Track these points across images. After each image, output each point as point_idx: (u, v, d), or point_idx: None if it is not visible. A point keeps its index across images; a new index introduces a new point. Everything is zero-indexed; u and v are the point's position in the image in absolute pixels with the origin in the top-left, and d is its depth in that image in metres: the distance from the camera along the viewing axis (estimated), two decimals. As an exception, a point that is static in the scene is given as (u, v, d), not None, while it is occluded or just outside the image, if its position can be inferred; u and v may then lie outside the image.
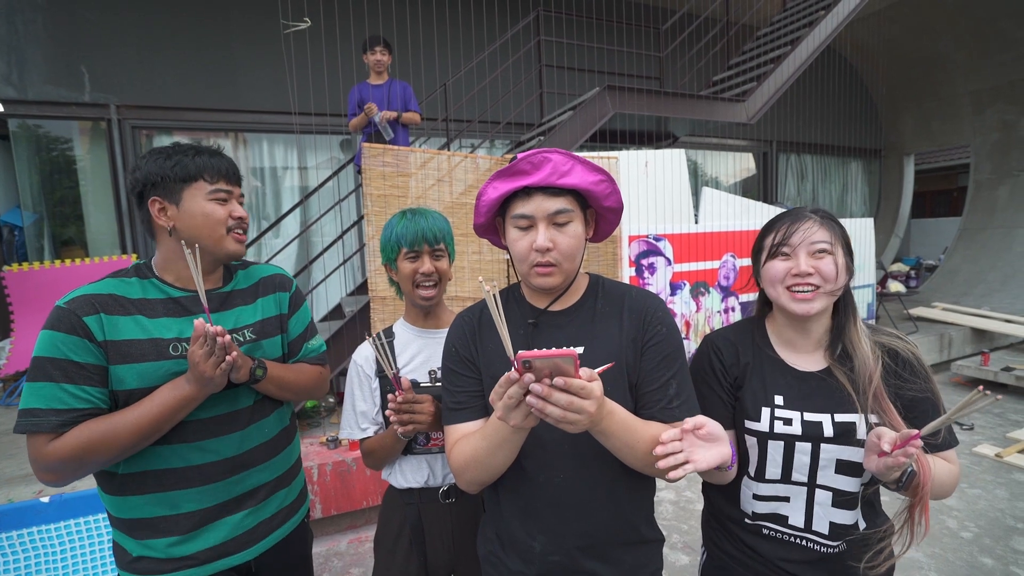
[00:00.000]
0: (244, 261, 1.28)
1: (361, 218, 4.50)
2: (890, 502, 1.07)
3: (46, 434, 0.94)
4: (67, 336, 0.96)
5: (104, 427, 0.96)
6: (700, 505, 3.02)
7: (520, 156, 0.94)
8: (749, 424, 1.07)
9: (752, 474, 1.08)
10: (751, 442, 1.07)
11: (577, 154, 0.96)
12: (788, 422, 1.04)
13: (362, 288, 3.89)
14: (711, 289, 4.28)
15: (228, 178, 1.09)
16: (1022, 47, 6.68)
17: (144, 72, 4.50)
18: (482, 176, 3.49)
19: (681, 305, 4.15)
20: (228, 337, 0.97)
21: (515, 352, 0.73)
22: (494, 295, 0.76)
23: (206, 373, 0.96)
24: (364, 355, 1.33)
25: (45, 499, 1.87)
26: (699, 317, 4.26)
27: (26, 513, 1.86)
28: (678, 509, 3.03)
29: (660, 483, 3.31)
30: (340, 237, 4.04)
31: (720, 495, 1.15)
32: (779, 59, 4.85)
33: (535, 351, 0.70)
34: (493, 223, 1.04)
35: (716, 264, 4.27)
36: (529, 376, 0.71)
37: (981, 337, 5.78)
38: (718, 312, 4.34)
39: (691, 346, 4.28)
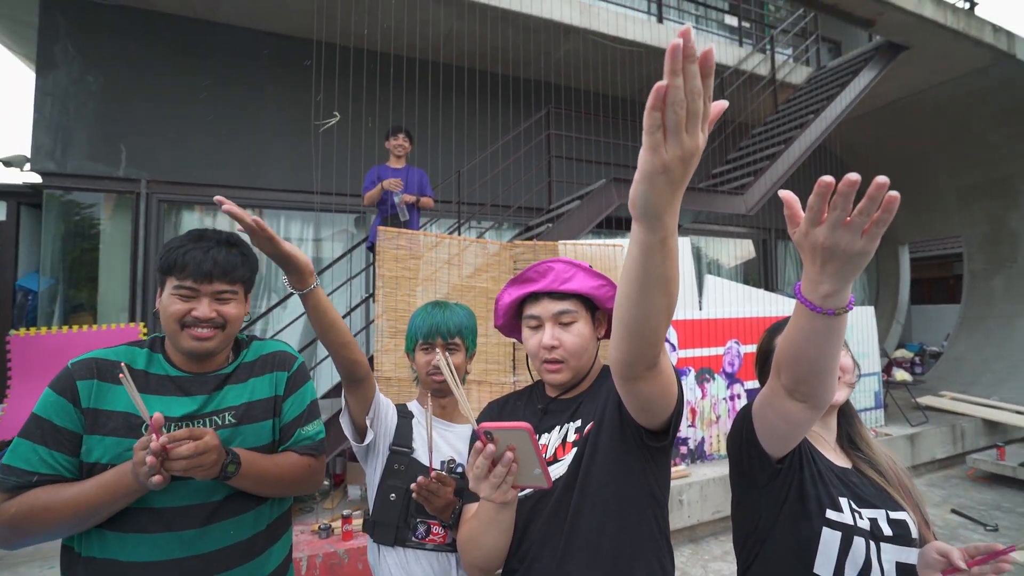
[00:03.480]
0: (251, 337, 1.24)
1: (369, 296, 4.59)
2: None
3: (3, 492, 0.95)
4: (57, 397, 0.99)
5: (46, 499, 0.93)
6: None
7: (529, 267, 1.08)
8: (832, 514, 0.96)
9: None
10: (830, 537, 0.95)
11: (580, 262, 1.07)
12: (860, 516, 0.96)
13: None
14: (716, 376, 4.26)
15: (197, 276, 1.04)
16: (998, 149, 7.10)
17: (177, 152, 4.80)
18: (491, 259, 3.61)
19: (687, 392, 4.11)
20: (155, 461, 0.89)
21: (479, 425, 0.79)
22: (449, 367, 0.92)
23: (139, 477, 0.91)
24: (393, 413, 1.33)
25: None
26: (705, 404, 4.20)
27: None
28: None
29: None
30: (347, 314, 4.10)
31: None
32: (774, 156, 5.16)
33: (494, 423, 0.76)
34: (515, 325, 1.16)
35: (721, 350, 4.28)
36: (491, 446, 0.76)
37: (994, 428, 5.64)
38: (724, 399, 4.29)
39: (697, 434, 4.18)
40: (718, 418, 4.26)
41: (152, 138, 4.72)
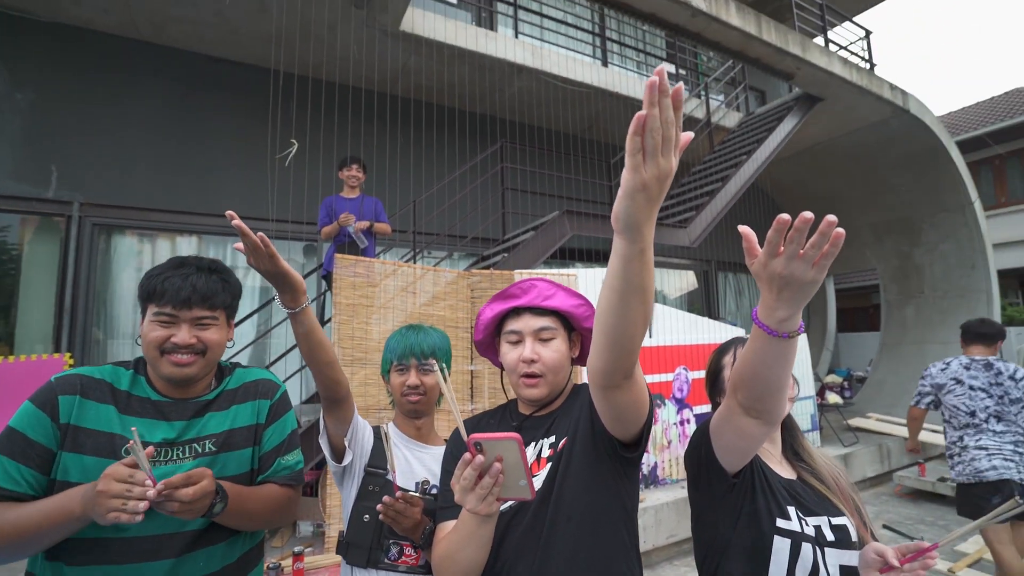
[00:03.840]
0: (234, 364, 1.24)
1: (324, 323, 4.46)
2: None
3: None
4: (36, 410, 0.98)
5: None
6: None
7: (512, 284, 1.12)
8: (782, 523, 1.01)
9: None
10: (781, 545, 1.01)
11: (559, 282, 1.12)
12: (807, 523, 1.02)
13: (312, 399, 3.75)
14: (667, 401, 4.41)
15: (176, 303, 1.05)
16: (901, 192, 7.98)
17: (115, 174, 4.55)
18: (448, 288, 3.63)
19: (639, 416, 4.21)
20: (147, 507, 0.87)
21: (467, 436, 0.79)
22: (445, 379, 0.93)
23: (98, 510, 0.85)
24: (370, 435, 1.32)
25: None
26: (657, 429, 4.32)
27: None
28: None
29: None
30: (296, 345, 3.95)
31: None
32: (713, 193, 5.55)
33: (485, 434, 0.77)
34: (492, 343, 1.19)
35: (670, 376, 4.44)
36: (480, 457, 0.77)
37: (914, 447, 6.10)
38: (675, 424, 4.43)
39: (650, 459, 4.28)
40: (670, 443, 4.39)
41: (87, 160, 4.47)
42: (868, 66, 7.50)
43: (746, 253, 0.78)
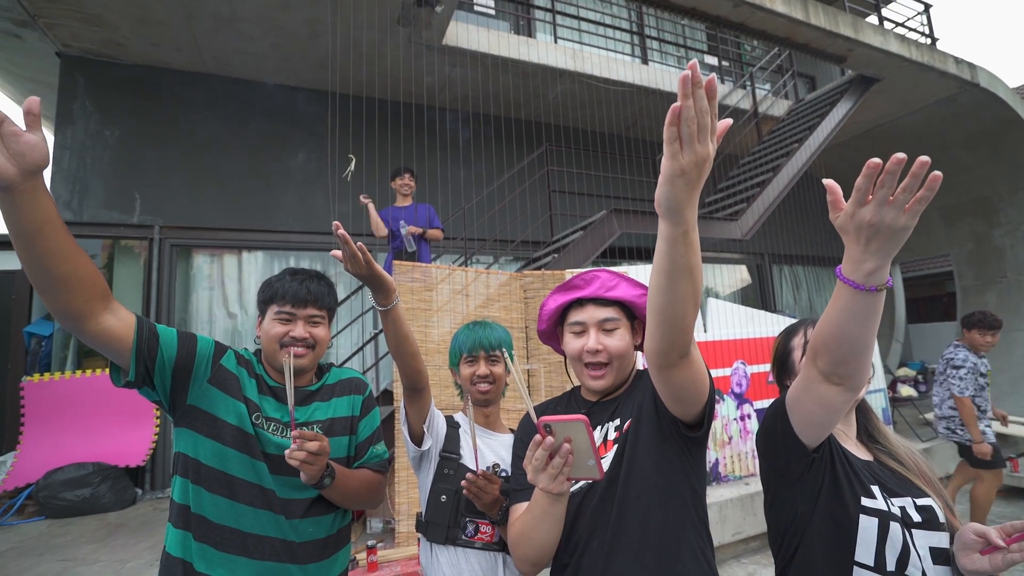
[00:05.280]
0: (329, 364, 1.40)
1: (380, 330, 4.66)
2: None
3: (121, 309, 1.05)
4: (213, 343, 1.19)
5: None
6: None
7: (575, 275, 1.15)
8: (867, 502, 0.98)
9: (872, 564, 0.95)
10: (868, 524, 0.97)
11: (621, 272, 1.14)
12: (892, 504, 0.98)
13: (380, 399, 3.91)
14: (725, 396, 4.30)
15: (295, 302, 1.22)
16: (975, 169, 7.42)
17: (189, 198, 4.96)
18: (502, 289, 3.71)
19: (698, 413, 4.13)
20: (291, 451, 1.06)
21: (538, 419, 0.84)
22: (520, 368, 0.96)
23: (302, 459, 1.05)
24: (443, 423, 1.41)
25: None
26: (717, 425, 4.22)
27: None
28: (722, 643, 2.77)
29: None
30: (360, 349, 4.15)
31: None
32: (764, 183, 5.39)
33: (553, 416, 0.82)
34: (554, 332, 1.23)
35: (728, 371, 4.33)
36: (550, 438, 0.81)
37: (1004, 442, 5.64)
38: (734, 420, 4.31)
39: (711, 456, 4.18)
40: (730, 439, 4.28)
41: (165, 186, 4.89)
42: (929, 41, 7.07)
43: (830, 207, 0.76)
